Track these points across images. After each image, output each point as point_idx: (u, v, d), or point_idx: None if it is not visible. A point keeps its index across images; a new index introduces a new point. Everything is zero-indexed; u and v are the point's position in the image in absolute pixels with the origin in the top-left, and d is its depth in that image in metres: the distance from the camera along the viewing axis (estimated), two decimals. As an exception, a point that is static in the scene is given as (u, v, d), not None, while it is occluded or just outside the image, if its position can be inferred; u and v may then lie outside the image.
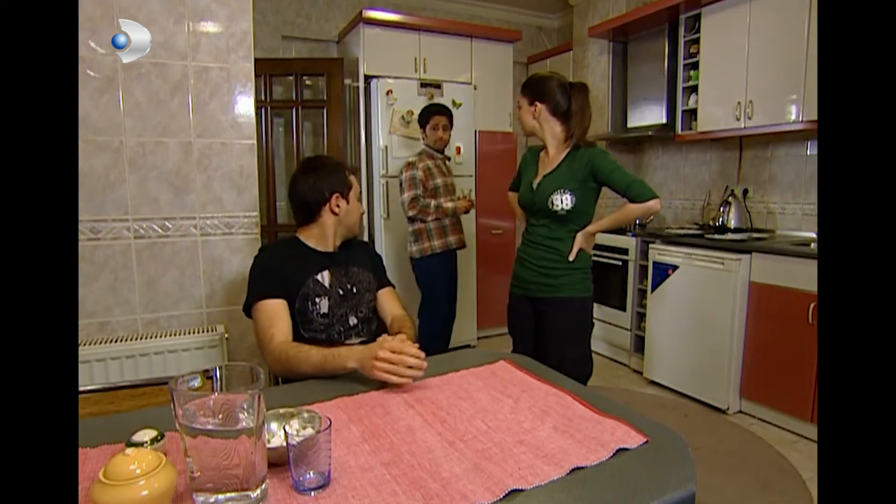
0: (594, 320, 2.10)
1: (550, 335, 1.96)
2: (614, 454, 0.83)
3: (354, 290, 1.53)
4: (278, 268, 1.44)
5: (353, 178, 1.56)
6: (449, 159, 3.15)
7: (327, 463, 0.75)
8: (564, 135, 1.92)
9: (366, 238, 3.60)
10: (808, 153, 3.01)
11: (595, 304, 3.64)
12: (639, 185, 1.85)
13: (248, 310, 1.42)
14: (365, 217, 3.55)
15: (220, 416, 0.70)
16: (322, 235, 1.51)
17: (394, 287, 1.65)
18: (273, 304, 1.38)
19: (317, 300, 1.45)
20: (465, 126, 3.68)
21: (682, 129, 3.40)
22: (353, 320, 1.51)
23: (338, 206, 1.50)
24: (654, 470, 0.80)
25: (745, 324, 2.68)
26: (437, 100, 3.53)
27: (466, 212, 3.00)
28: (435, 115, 2.95)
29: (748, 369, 2.70)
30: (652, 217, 3.80)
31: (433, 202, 2.87)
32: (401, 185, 2.91)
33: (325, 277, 1.48)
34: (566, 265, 1.93)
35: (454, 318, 3.21)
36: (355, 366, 1.16)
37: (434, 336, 3.00)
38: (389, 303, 1.60)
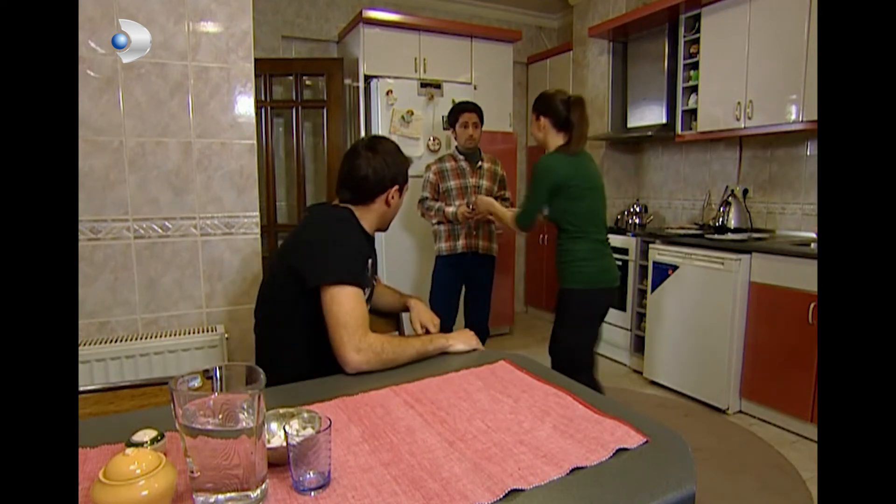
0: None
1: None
2: (614, 454, 0.83)
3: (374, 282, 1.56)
4: (362, 251, 1.36)
5: (409, 173, 1.50)
6: (480, 160, 2.92)
7: (327, 463, 0.75)
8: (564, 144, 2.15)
9: (366, 238, 3.60)
10: (808, 153, 3.01)
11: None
12: (520, 213, 2.24)
13: (327, 284, 1.24)
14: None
15: (220, 416, 0.70)
16: (369, 220, 1.43)
17: None
18: (361, 295, 1.27)
19: (365, 290, 1.40)
20: (465, 126, 3.67)
21: (682, 129, 3.40)
22: (368, 307, 1.49)
23: (393, 197, 1.43)
24: (654, 470, 0.80)
25: (745, 324, 2.68)
26: (437, 100, 3.54)
27: (469, 220, 2.78)
28: (463, 112, 2.82)
29: (748, 369, 2.70)
30: (652, 217, 3.81)
31: (436, 205, 2.85)
32: None
33: (370, 267, 1.44)
34: (561, 261, 2.19)
35: (476, 326, 3.06)
36: (454, 343, 1.33)
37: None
38: (386, 287, 1.72)
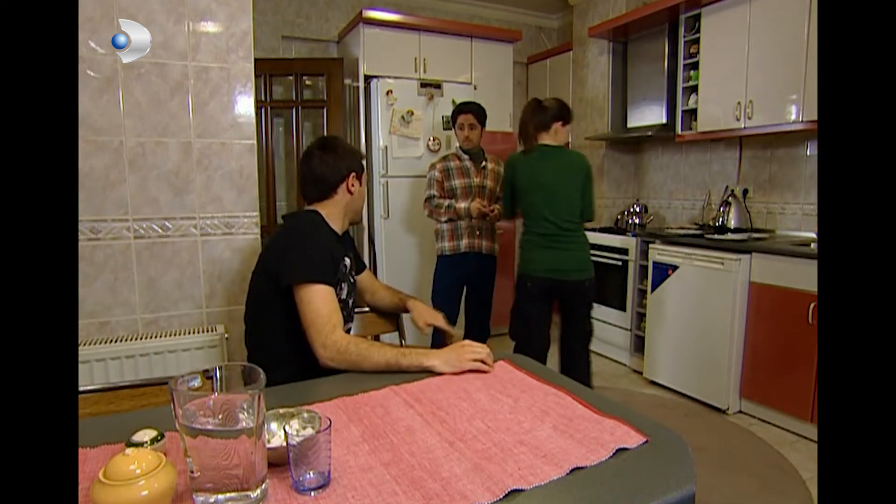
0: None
1: None
2: (614, 454, 0.83)
3: (355, 276, 1.60)
4: (330, 251, 1.40)
5: (363, 163, 1.60)
6: (484, 160, 2.93)
7: (327, 463, 0.75)
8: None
9: (365, 237, 3.60)
10: (808, 153, 3.01)
11: (594, 304, 3.68)
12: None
13: (297, 283, 1.30)
14: (365, 217, 3.56)
15: (220, 416, 0.70)
16: (337, 215, 1.51)
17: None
18: (332, 292, 1.32)
19: (342, 285, 1.45)
20: (465, 126, 3.67)
21: (682, 129, 3.40)
22: (350, 303, 1.54)
23: (353, 185, 1.51)
24: (654, 470, 0.80)
25: (745, 324, 2.68)
26: (436, 100, 3.53)
27: (483, 216, 2.78)
28: (459, 114, 2.86)
29: (748, 369, 2.70)
30: (652, 217, 3.81)
31: (446, 202, 2.83)
32: None
33: (347, 263, 1.50)
34: None
35: (477, 326, 3.04)
36: (435, 363, 1.20)
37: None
38: (376, 281, 1.76)
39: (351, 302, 1.55)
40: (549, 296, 2.41)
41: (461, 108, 2.88)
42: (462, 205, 2.80)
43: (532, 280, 2.38)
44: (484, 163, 2.93)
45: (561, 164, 2.37)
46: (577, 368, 2.49)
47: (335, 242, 1.46)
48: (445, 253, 2.90)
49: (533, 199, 2.36)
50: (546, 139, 2.37)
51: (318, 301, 1.29)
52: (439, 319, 1.58)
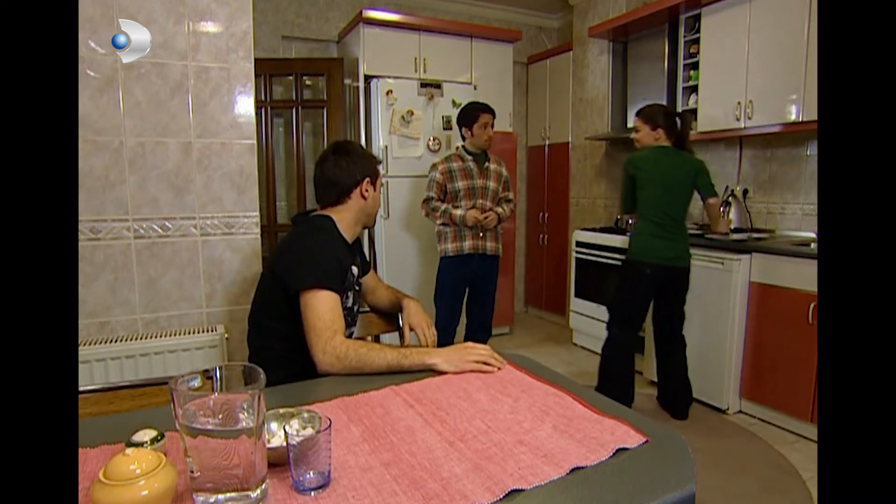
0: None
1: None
2: (614, 454, 0.83)
3: (360, 283, 1.59)
4: (339, 259, 1.39)
5: (378, 168, 1.58)
6: (487, 160, 2.91)
7: (327, 463, 0.75)
8: None
9: (366, 238, 3.60)
10: (808, 153, 3.01)
11: (594, 304, 3.65)
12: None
13: (303, 289, 1.30)
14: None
15: (220, 416, 0.70)
16: (349, 222, 1.49)
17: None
18: (336, 299, 1.31)
19: (348, 293, 1.45)
20: (465, 126, 3.67)
21: (682, 129, 3.39)
22: (355, 310, 1.54)
23: (367, 190, 1.50)
24: (654, 470, 0.80)
25: (745, 324, 2.68)
26: (437, 100, 3.53)
27: (478, 224, 2.79)
28: (485, 112, 2.81)
29: (748, 369, 2.70)
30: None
31: (442, 207, 2.83)
32: None
33: (354, 270, 1.50)
34: None
35: (478, 326, 3.06)
36: (437, 361, 1.20)
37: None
38: (379, 282, 1.74)
39: (356, 309, 1.55)
40: (659, 280, 2.62)
41: (485, 107, 2.84)
42: (458, 212, 2.79)
43: (652, 266, 2.57)
44: (487, 163, 2.91)
45: (680, 164, 2.58)
46: (677, 347, 2.72)
47: (344, 250, 1.45)
48: (448, 254, 2.88)
49: (654, 193, 2.56)
50: (662, 140, 2.61)
51: (322, 307, 1.28)
52: (422, 326, 1.54)
